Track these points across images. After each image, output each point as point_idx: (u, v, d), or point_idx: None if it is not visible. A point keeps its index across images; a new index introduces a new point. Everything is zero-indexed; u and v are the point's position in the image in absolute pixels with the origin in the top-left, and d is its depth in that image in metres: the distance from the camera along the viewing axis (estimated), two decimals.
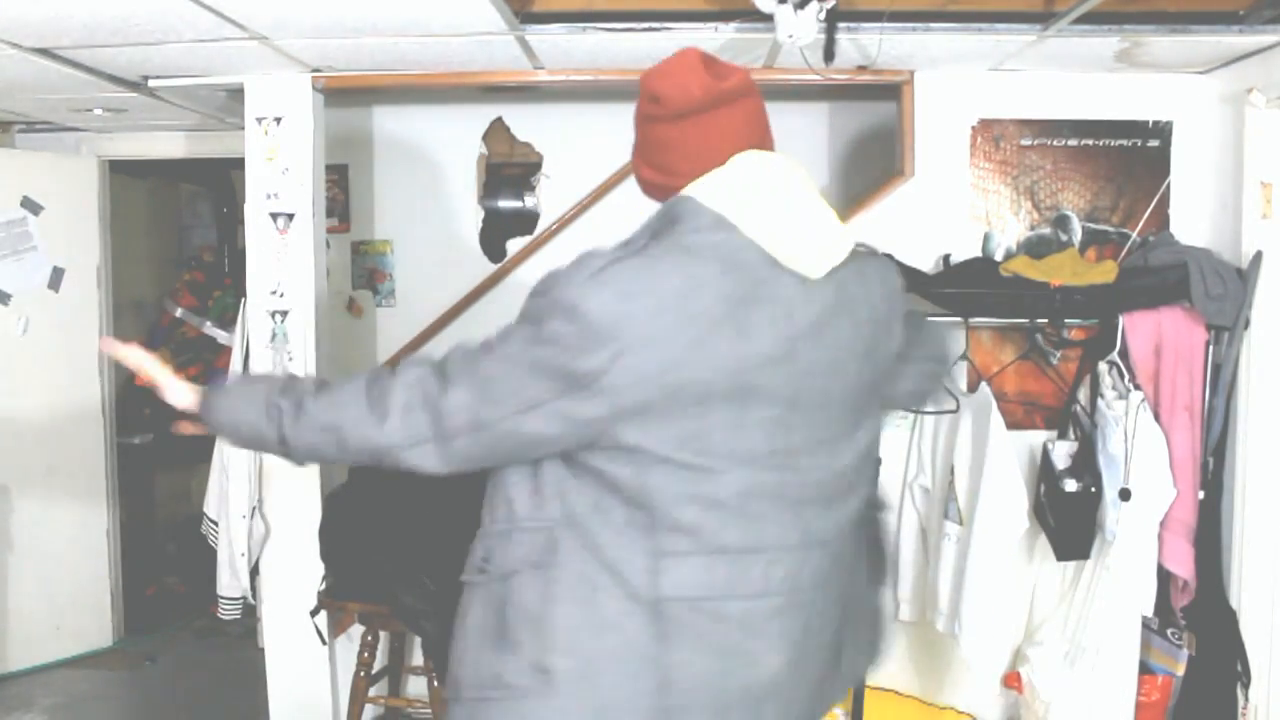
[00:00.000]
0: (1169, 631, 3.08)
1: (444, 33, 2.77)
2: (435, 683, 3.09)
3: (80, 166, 4.28)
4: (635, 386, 1.27)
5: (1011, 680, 3.25)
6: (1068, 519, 3.04)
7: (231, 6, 2.49)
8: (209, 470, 3.68)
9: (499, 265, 4.31)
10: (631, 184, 4.16)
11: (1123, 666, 3.03)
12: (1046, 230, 3.32)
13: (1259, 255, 2.97)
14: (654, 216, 1.41)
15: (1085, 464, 3.04)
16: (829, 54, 2.64)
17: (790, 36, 2.47)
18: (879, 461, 1.64)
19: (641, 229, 1.42)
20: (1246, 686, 2.98)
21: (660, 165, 1.45)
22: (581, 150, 4.23)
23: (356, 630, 3.30)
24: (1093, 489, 3.01)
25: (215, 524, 3.61)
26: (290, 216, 3.28)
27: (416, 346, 4.28)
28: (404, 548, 3.00)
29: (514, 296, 4.77)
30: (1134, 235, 3.29)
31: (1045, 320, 3.10)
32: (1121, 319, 3.02)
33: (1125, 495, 2.91)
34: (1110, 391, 3.05)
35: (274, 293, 3.31)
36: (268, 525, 3.35)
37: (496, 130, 4.27)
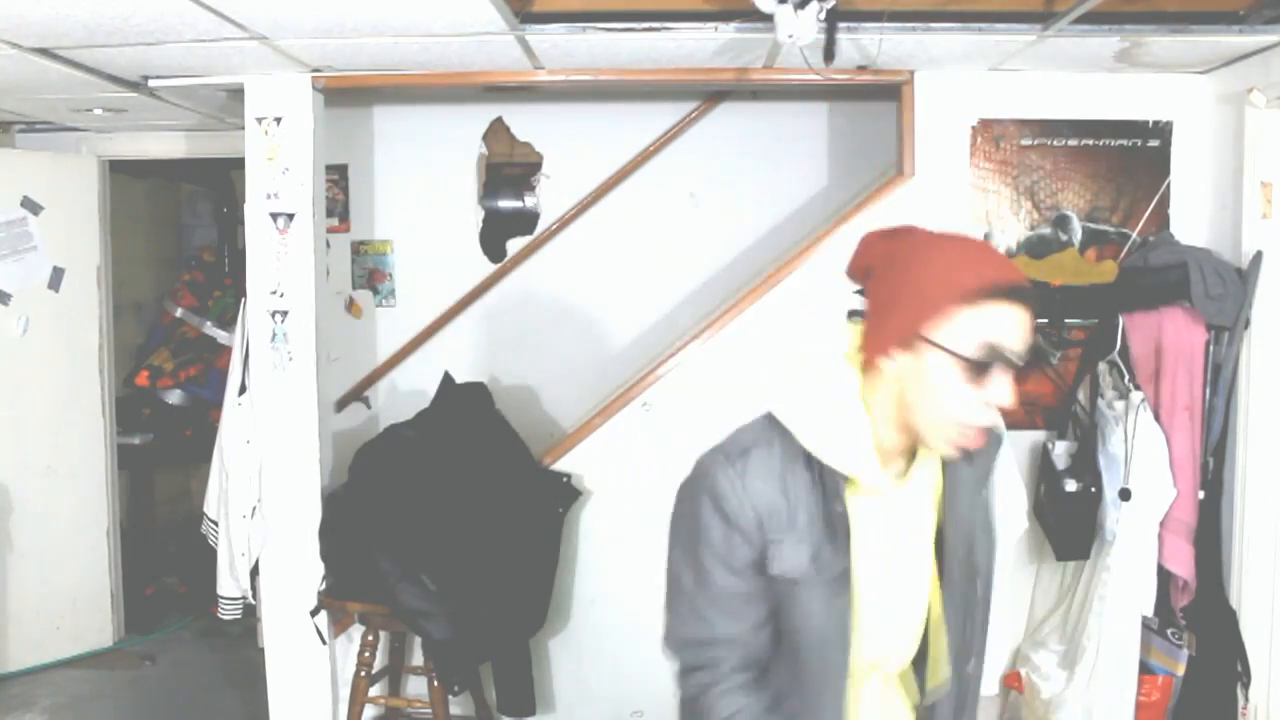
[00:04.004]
0: (1169, 631, 3.08)
1: (444, 33, 2.77)
2: (435, 683, 3.09)
3: (80, 166, 4.27)
4: None
5: (1011, 680, 3.25)
6: (1068, 519, 3.05)
7: (231, 6, 2.49)
8: (209, 470, 3.68)
9: (499, 265, 4.32)
10: (630, 184, 4.15)
11: (1123, 666, 3.03)
12: (1046, 230, 3.32)
13: (1259, 255, 2.97)
14: None
15: (1085, 464, 3.04)
16: (829, 54, 2.63)
17: (790, 36, 2.46)
18: None
19: None
20: (1246, 686, 2.98)
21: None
22: (581, 150, 4.23)
23: (356, 630, 3.30)
24: (1093, 489, 3.01)
25: (215, 524, 3.61)
26: (290, 216, 3.28)
27: (416, 346, 4.29)
28: (404, 548, 3.00)
29: (515, 296, 4.73)
30: (1134, 235, 3.29)
31: (1045, 320, 3.10)
32: (1121, 319, 3.02)
33: (1125, 495, 2.91)
34: (1110, 391, 3.05)
35: (274, 293, 3.31)
36: (267, 525, 3.35)
37: (496, 130, 4.27)
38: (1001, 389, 1.27)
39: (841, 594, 1.32)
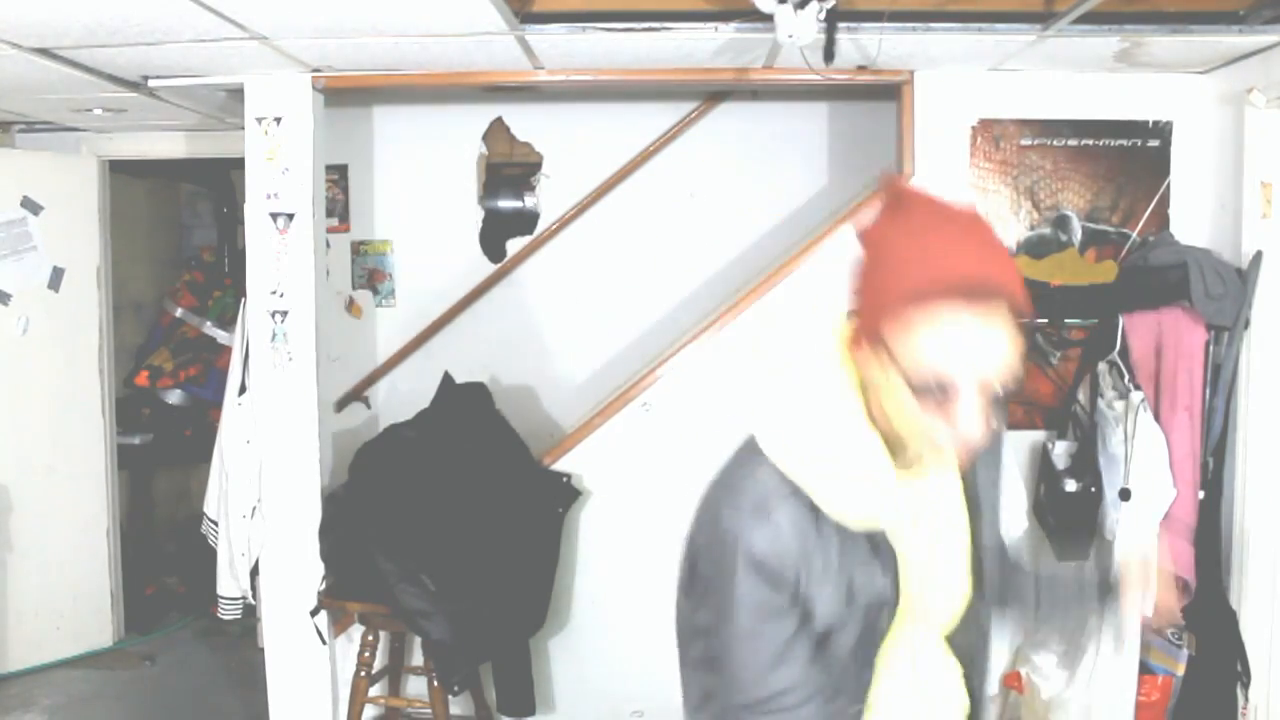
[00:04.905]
0: (1169, 631, 3.08)
1: (444, 33, 2.77)
2: (435, 683, 3.09)
3: (80, 166, 4.27)
4: None
5: (1011, 680, 3.25)
6: (1068, 519, 3.05)
7: (231, 6, 2.49)
8: (209, 470, 3.68)
9: (499, 265, 4.32)
10: (630, 184, 4.15)
11: (1123, 666, 3.03)
12: (1046, 230, 3.32)
13: (1259, 255, 2.97)
14: None
15: (1085, 464, 3.04)
16: (829, 54, 2.64)
17: (790, 36, 2.47)
18: None
19: None
20: (1246, 686, 2.98)
21: None
22: (581, 150, 4.23)
23: (356, 630, 3.30)
24: (1093, 489, 3.01)
25: (215, 524, 3.61)
26: (290, 216, 3.28)
27: (416, 346, 4.29)
28: (404, 548, 3.00)
29: (515, 296, 4.72)
30: (1134, 235, 3.29)
31: (1045, 320, 3.10)
32: (1121, 319, 3.02)
33: (1125, 495, 2.91)
34: (1110, 391, 3.05)
35: (274, 293, 3.31)
36: (267, 525, 3.35)
37: (496, 130, 4.27)
38: (968, 419, 1.07)
39: (877, 617, 1.23)
